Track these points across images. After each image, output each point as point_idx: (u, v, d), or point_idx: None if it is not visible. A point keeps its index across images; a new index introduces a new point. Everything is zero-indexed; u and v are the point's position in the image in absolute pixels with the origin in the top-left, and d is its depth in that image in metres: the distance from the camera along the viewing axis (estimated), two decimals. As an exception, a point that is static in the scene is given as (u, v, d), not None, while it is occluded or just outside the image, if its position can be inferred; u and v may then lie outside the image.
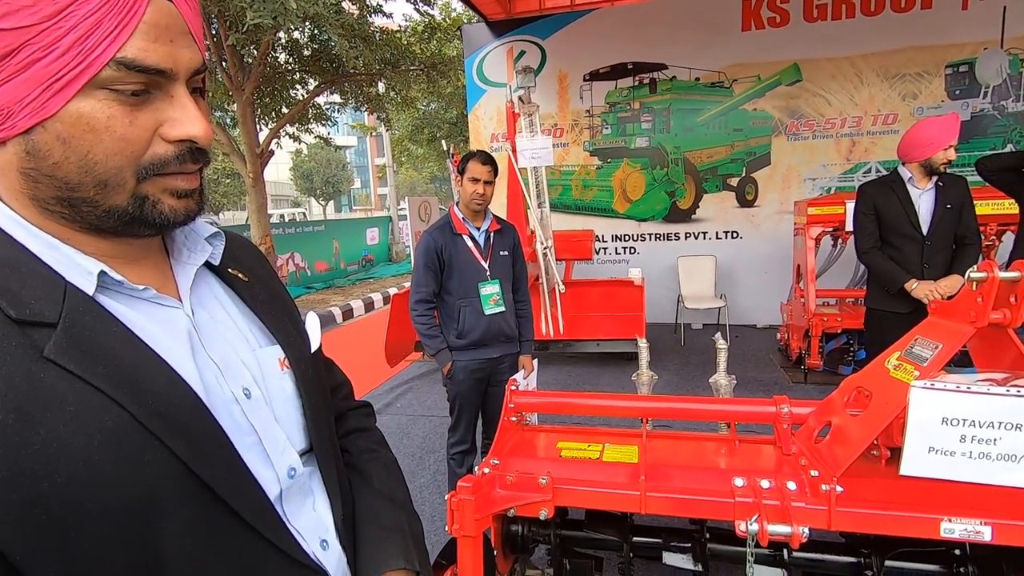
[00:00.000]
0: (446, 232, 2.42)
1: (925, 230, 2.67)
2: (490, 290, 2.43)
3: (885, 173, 2.87)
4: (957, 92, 5.65)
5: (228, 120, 10.73)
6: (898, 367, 1.40)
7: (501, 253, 2.50)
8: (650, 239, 6.68)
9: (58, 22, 0.41)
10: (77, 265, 0.49)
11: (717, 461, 1.64)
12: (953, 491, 1.29)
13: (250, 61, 8.94)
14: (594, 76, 6.56)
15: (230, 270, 0.64)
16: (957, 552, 1.43)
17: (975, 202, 2.73)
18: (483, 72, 6.85)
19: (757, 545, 1.29)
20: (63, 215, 0.48)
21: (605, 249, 6.78)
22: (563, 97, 6.69)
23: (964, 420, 1.19)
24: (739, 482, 1.40)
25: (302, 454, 0.63)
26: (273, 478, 0.58)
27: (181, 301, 0.56)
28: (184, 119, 0.48)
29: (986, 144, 5.64)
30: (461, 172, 2.39)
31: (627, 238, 6.74)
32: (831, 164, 6.07)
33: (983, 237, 4.39)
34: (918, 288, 2.59)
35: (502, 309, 2.46)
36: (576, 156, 6.77)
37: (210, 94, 8.17)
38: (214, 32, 8.45)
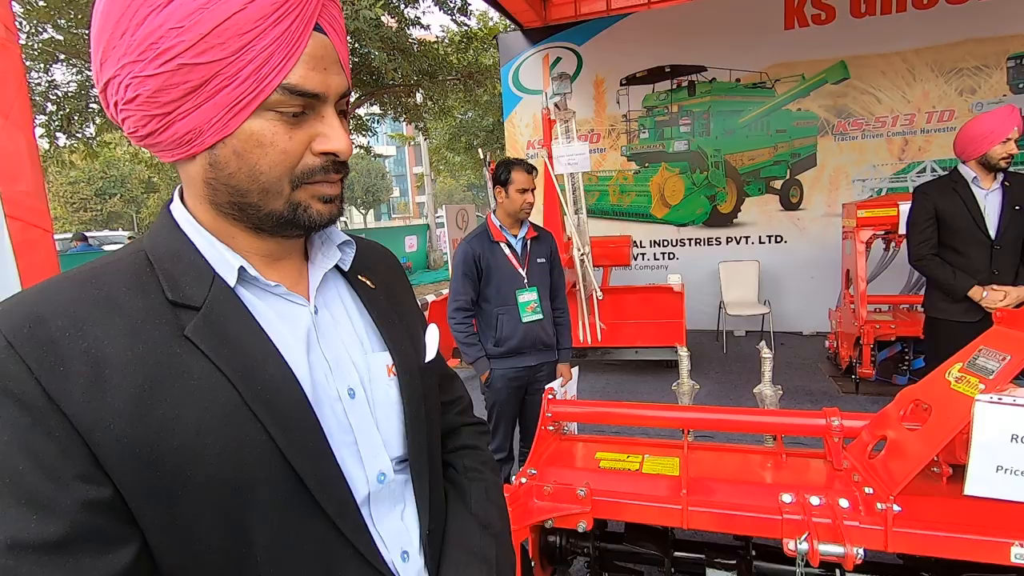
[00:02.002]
0: (484, 240, 2.43)
1: (993, 234, 2.48)
2: (528, 297, 2.43)
3: (942, 173, 2.71)
4: (1021, 85, 5.33)
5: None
6: (960, 379, 1.32)
7: (538, 260, 2.49)
8: (690, 244, 6.54)
9: (241, 55, 0.49)
10: (225, 260, 0.56)
11: (763, 475, 1.58)
12: (1024, 513, 1.20)
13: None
14: (631, 80, 6.50)
15: (360, 276, 0.68)
16: (1029, 579, 1.33)
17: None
18: (519, 80, 6.88)
19: (807, 565, 1.24)
20: (233, 216, 0.56)
21: (643, 255, 6.68)
22: (599, 102, 6.65)
23: (1036, 437, 1.11)
24: (787, 498, 1.35)
25: (399, 462, 0.65)
26: (363, 479, 0.60)
27: (309, 300, 0.62)
28: (331, 136, 0.55)
29: (1054, 140, 5.30)
30: (504, 183, 2.39)
31: (666, 243, 6.63)
32: (882, 164, 5.81)
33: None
34: (989, 296, 2.41)
35: (540, 317, 2.45)
36: (613, 161, 6.70)
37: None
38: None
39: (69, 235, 13.44)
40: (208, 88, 0.49)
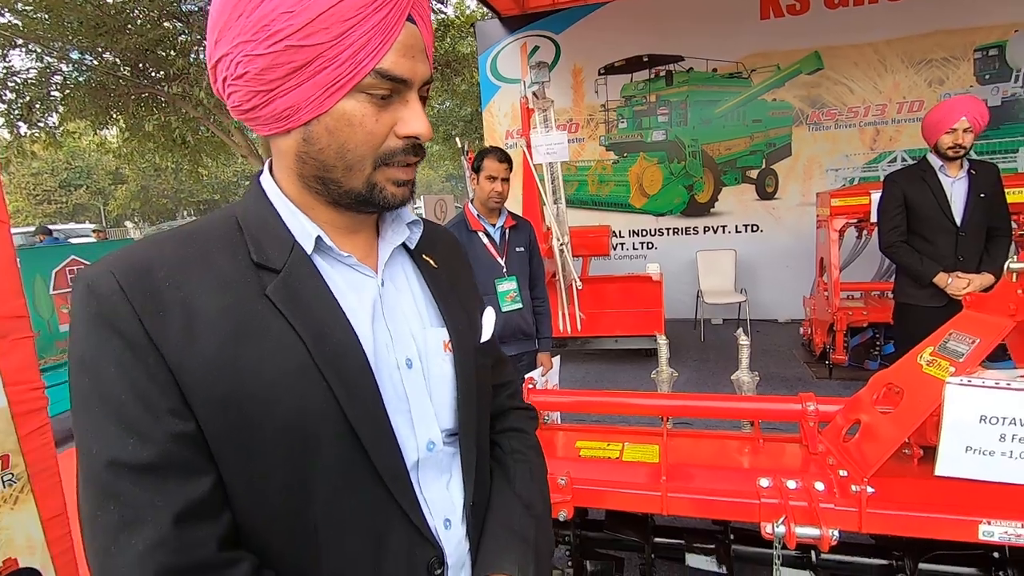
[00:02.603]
0: (461, 229, 2.40)
1: (959, 221, 2.54)
2: (507, 287, 2.41)
3: (912, 162, 2.75)
4: (987, 76, 5.46)
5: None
6: (932, 363, 1.35)
7: (517, 249, 2.47)
8: (668, 234, 6.59)
9: (341, 40, 0.52)
10: (304, 229, 0.61)
11: (741, 460, 1.60)
12: (992, 492, 1.23)
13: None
14: (609, 70, 6.49)
15: (424, 255, 0.73)
16: (996, 555, 1.37)
17: (1008, 190, 2.61)
18: (497, 68, 6.82)
19: (784, 547, 1.25)
20: (316, 190, 0.61)
21: (622, 245, 6.71)
22: (578, 92, 6.63)
23: (1004, 418, 1.14)
24: (764, 482, 1.36)
25: (449, 435, 0.68)
26: (414, 446, 0.63)
27: (376, 272, 0.66)
28: (413, 120, 0.58)
29: (1018, 130, 5.45)
30: (477, 170, 2.36)
31: (645, 233, 6.67)
32: (854, 154, 5.92)
33: (1016, 226, 4.24)
34: (953, 284, 2.48)
35: (519, 306, 2.43)
36: (592, 151, 6.70)
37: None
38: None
39: (32, 228, 12.98)
40: (309, 69, 0.53)
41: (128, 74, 9.07)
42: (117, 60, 8.86)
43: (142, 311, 0.51)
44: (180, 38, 8.76)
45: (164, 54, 8.82)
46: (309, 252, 0.60)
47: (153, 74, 9.33)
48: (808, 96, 5.94)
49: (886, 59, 5.66)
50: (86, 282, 0.52)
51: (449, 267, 0.76)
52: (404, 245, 0.71)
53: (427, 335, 0.68)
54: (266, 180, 0.64)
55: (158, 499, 0.49)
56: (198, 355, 0.52)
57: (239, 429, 0.53)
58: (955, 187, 2.56)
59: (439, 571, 0.64)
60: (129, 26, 8.15)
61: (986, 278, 2.46)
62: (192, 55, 9.03)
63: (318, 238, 0.61)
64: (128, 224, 26.79)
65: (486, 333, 0.77)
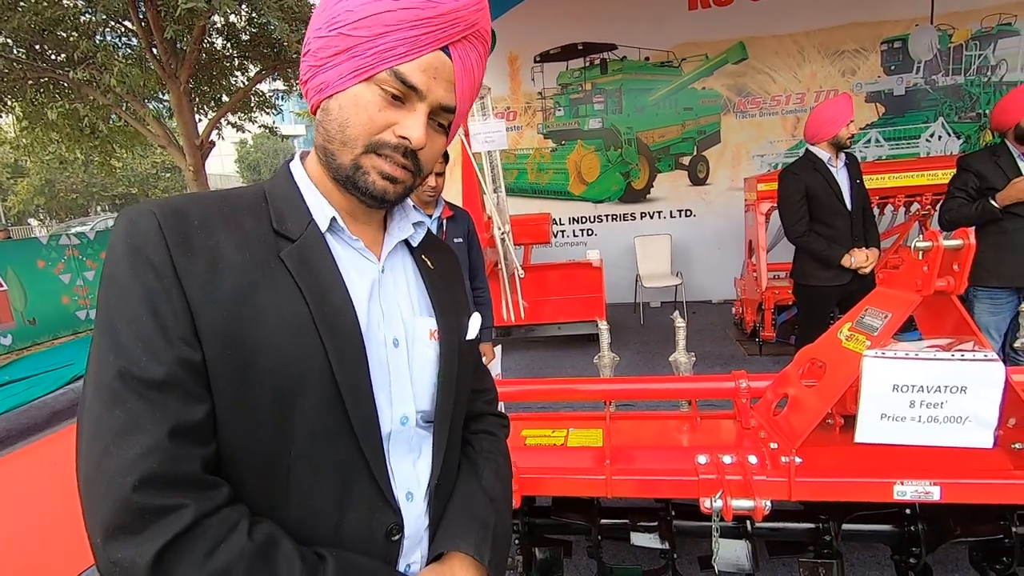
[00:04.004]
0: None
1: (849, 205, 2.83)
2: (447, 279, 2.37)
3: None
4: (892, 67, 5.86)
5: (163, 111, 10.13)
6: (850, 338, 1.43)
7: (455, 240, 2.44)
8: (607, 220, 6.72)
9: (377, 39, 0.62)
10: (322, 209, 0.69)
11: (680, 439, 1.66)
12: (904, 454, 1.33)
13: (184, 47, 8.45)
14: (545, 57, 6.49)
15: (423, 256, 0.81)
16: (908, 512, 1.49)
17: (912, 174, 2.84)
18: (432, 55, 6.68)
19: (722, 520, 1.31)
20: (325, 164, 0.68)
21: (563, 232, 6.79)
22: (515, 79, 6.60)
23: (913, 386, 1.22)
24: (702, 459, 1.41)
25: (425, 420, 0.74)
26: (389, 418, 0.69)
27: (379, 260, 0.73)
28: (410, 125, 0.64)
29: (920, 117, 5.89)
30: None
31: (584, 220, 6.77)
32: (777, 140, 6.22)
33: (919, 207, 4.61)
34: (856, 259, 2.75)
35: (460, 297, 2.40)
36: (530, 139, 6.71)
37: (141, 83, 7.68)
38: (142, 16, 7.93)
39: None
40: (345, 55, 0.63)
41: (24, 56, 8.24)
42: (8, 41, 8.03)
43: (174, 249, 0.58)
44: (83, 18, 8.04)
45: (65, 35, 8.08)
46: (323, 230, 0.68)
47: (53, 57, 8.53)
48: (735, 85, 6.18)
49: (804, 50, 5.97)
50: (130, 216, 0.59)
51: (444, 271, 0.84)
52: (408, 244, 0.79)
53: (416, 321, 0.74)
54: (295, 165, 0.73)
55: (158, 413, 0.54)
56: (214, 296, 0.59)
57: (237, 366, 0.59)
58: (840, 176, 2.84)
59: (396, 537, 0.68)
60: (22, 3, 7.39)
61: (874, 252, 2.81)
62: (99, 37, 8.32)
63: (332, 219, 0.68)
64: (32, 221, 24.58)
65: (471, 332, 0.83)
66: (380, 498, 0.67)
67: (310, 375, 0.61)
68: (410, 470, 0.72)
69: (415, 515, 0.71)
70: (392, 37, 0.62)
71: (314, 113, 0.69)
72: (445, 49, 0.64)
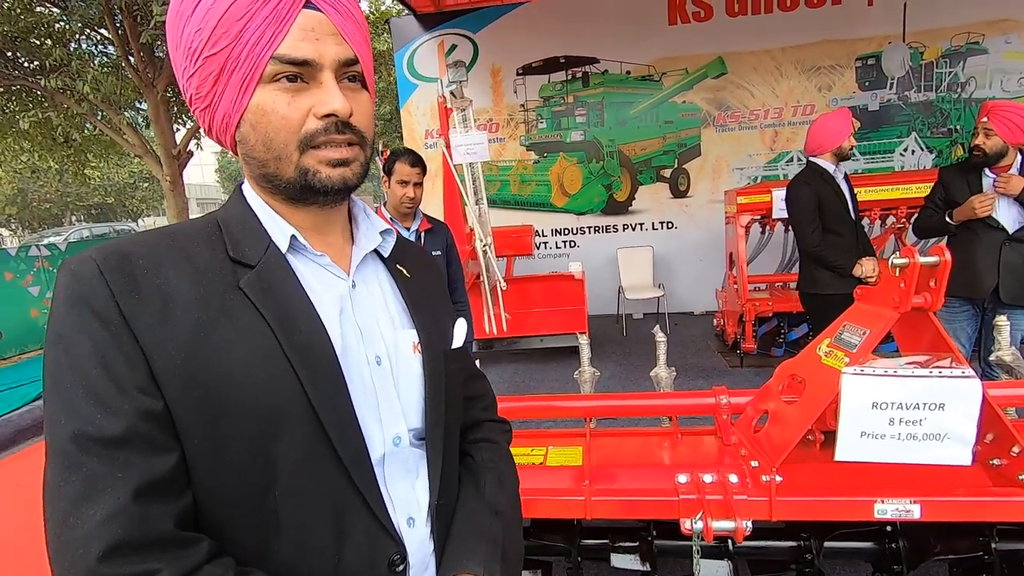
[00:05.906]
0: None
1: (853, 214, 2.88)
2: (426, 292, 2.33)
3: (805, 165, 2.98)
4: (867, 84, 5.99)
5: (140, 120, 9.96)
6: (829, 354, 1.43)
7: (434, 253, 2.40)
8: (589, 232, 6.73)
9: (240, 38, 0.57)
10: (280, 229, 0.65)
11: (661, 456, 1.63)
12: (884, 471, 1.32)
13: (161, 55, 8.34)
14: (527, 70, 6.52)
15: (398, 265, 0.76)
16: (889, 529, 1.47)
17: (884, 188, 2.97)
18: (414, 67, 6.67)
19: (703, 540, 1.28)
20: (267, 188, 0.65)
21: (545, 244, 6.78)
22: (497, 92, 6.61)
23: (892, 403, 1.21)
24: (683, 479, 1.39)
25: (417, 437, 0.70)
26: (380, 440, 0.65)
27: (349, 274, 0.69)
28: (327, 99, 0.59)
29: (894, 131, 6.02)
30: (388, 173, 2.27)
31: (566, 232, 6.77)
32: (756, 154, 6.31)
33: (895, 220, 4.70)
34: (866, 269, 2.74)
35: (439, 311, 2.36)
36: (513, 151, 6.71)
37: (117, 91, 7.55)
38: (118, 24, 7.82)
39: None
40: (224, 74, 0.58)
41: (-5, 64, 8.06)
42: (-20, 48, 7.85)
43: (119, 293, 0.54)
44: (57, 25, 7.90)
45: (39, 43, 7.92)
46: (284, 250, 0.64)
47: (26, 64, 8.35)
48: (714, 99, 6.26)
49: (782, 65, 6.07)
50: (69, 267, 0.56)
51: (422, 278, 0.80)
52: (379, 255, 0.74)
53: (397, 336, 0.70)
54: (246, 186, 0.68)
55: (120, 472, 0.51)
56: (171, 337, 0.55)
57: (206, 409, 0.55)
58: (843, 186, 2.89)
59: (400, 568, 0.65)
60: (-6, 10, 7.24)
61: (874, 260, 2.81)
62: (73, 44, 8.18)
63: (292, 236, 0.64)
64: (3, 232, 23.96)
65: (457, 340, 0.80)
66: (378, 527, 0.63)
67: (286, 406, 0.58)
68: (409, 493, 0.68)
69: (418, 540, 0.68)
70: (252, 25, 0.57)
71: (236, 151, 0.64)
72: (309, 6, 0.59)
